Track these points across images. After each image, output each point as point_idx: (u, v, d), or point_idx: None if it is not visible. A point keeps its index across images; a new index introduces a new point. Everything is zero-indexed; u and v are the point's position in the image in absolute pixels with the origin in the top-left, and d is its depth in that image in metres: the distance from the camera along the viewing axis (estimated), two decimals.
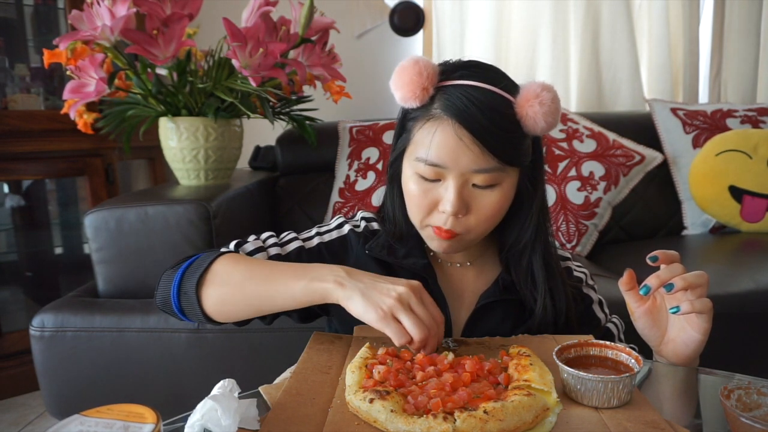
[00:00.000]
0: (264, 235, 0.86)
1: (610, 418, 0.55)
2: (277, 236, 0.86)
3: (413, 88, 0.72)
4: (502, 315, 0.81)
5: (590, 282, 0.90)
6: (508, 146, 0.72)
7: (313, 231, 0.87)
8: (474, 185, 0.72)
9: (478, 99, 0.71)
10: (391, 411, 0.52)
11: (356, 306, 0.65)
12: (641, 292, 0.68)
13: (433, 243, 0.78)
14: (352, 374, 0.60)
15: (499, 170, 0.72)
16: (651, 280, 0.68)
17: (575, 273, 0.89)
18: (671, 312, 0.69)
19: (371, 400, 0.54)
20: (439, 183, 0.73)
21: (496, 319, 0.81)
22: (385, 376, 0.59)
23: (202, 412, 0.50)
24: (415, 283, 0.67)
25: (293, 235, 0.86)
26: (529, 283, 0.80)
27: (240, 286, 0.73)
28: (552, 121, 0.72)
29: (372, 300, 0.64)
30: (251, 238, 0.85)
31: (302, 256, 0.83)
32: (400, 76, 0.74)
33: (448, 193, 0.72)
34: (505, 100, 0.72)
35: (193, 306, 0.74)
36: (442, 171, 0.72)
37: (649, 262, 0.70)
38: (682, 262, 0.69)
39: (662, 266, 0.69)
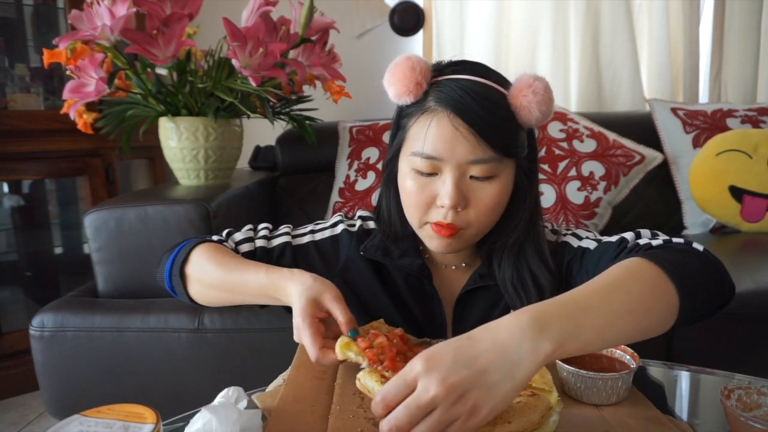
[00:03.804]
0: (259, 226, 0.87)
1: (612, 414, 0.55)
2: (272, 229, 0.87)
3: (407, 83, 0.72)
4: (488, 303, 0.80)
5: (581, 235, 0.82)
6: (504, 136, 0.71)
7: (308, 228, 0.87)
8: (472, 177, 0.71)
9: (472, 90, 0.70)
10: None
11: None
12: None
13: (433, 242, 0.76)
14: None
15: (496, 161, 0.71)
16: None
17: (566, 241, 0.82)
18: None
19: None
20: (436, 177, 0.72)
21: (480, 308, 0.80)
22: (383, 351, 0.58)
23: (203, 421, 0.50)
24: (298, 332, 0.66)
25: (286, 230, 0.86)
26: (515, 280, 0.77)
27: (210, 279, 0.76)
28: (546, 110, 0.72)
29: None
30: (246, 227, 0.86)
31: (286, 252, 0.83)
32: (393, 73, 0.74)
33: (446, 186, 0.71)
34: (499, 92, 0.72)
35: (181, 291, 0.80)
36: (439, 164, 0.71)
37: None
38: None
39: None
